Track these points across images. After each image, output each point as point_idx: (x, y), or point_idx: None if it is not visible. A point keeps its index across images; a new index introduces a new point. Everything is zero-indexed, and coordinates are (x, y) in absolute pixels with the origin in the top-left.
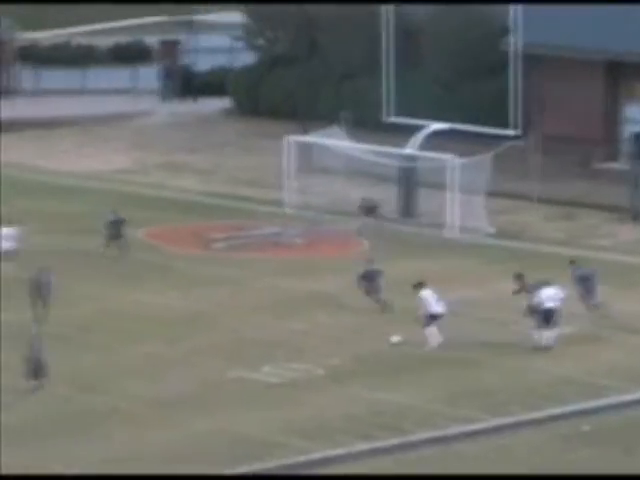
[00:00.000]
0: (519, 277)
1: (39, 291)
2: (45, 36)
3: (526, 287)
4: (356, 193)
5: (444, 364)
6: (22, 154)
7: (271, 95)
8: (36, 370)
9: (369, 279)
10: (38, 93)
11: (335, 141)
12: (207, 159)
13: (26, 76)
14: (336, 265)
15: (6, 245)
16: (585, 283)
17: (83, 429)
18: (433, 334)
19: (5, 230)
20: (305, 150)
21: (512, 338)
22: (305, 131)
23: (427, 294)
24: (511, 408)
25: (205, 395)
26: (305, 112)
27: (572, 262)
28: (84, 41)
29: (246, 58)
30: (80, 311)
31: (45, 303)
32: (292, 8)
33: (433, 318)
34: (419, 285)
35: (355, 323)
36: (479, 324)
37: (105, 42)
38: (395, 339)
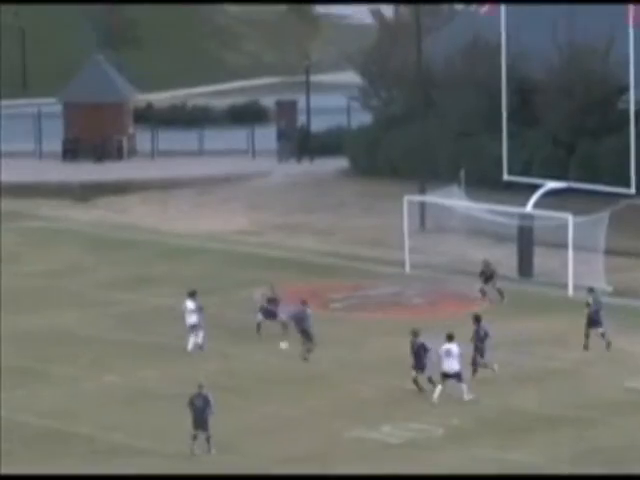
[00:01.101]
0: None
1: None
2: (161, 97)
3: None
4: (475, 252)
5: (564, 423)
6: (140, 215)
7: (388, 155)
8: None
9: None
10: (155, 154)
11: (454, 200)
12: (325, 219)
13: (143, 137)
14: (456, 324)
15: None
16: None
17: None
18: None
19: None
20: (424, 210)
21: (629, 397)
22: (423, 191)
23: None
24: (633, 466)
25: (325, 454)
26: (423, 171)
27: None
28: (200, 102)
29: (362, 118)
30: (203, 371)
31: None
32: (408, 67)
33: None
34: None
35: (476, 381)
36: (594, 382)
37: (221, 103)
38: (284, 345)
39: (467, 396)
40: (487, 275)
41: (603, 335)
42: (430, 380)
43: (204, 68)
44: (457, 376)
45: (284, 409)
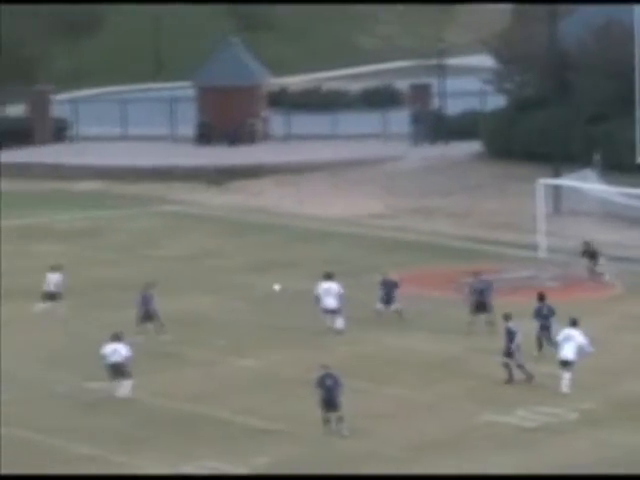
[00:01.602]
0: None
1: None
2: (295, 81)
3: None
4: (609, 235)
5: None
6: (274, 199)
7: (522, 138)
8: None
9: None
10: (289, 138)
11: (588, 184)
12: (460, 203)
13: (276, 121)
14: (590, 308)
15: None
16: None
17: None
18: None
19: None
20: (558, 192)
21: None
22: (558, 174)
23: None
24: None
25: (458, 439)
26: (557, 154)
27: None
28: (334, 86)
29: (496, 101)
30: (337, 355)
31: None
32: (542, 50)
33: None
34: None
35: (612, 366)
36: None
37: (355, 87)
38: (277, 287)
39: (565, 389)
40: (590, 254)
41: None
42: (520, 367)
43: (338, 52)
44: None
45: (416, 393)
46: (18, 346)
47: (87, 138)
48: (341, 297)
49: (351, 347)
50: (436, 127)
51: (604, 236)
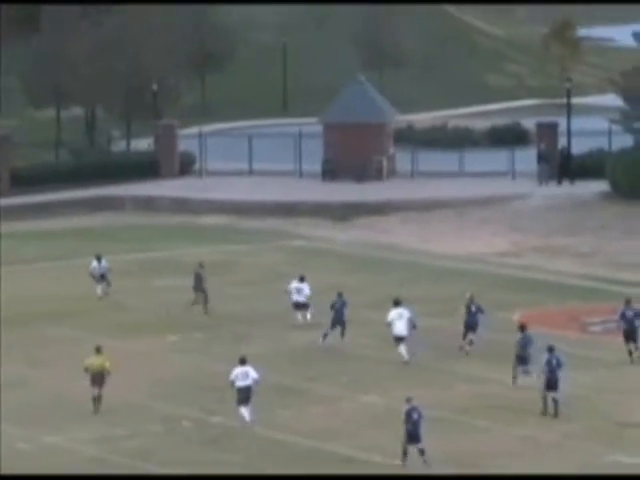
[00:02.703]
0: None
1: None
2: (422, 118)
3: None
4: None
5: None
6: (399, 236)
7: None
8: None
9: None
10: (415, 175)
11: None
12: (586, 242)
13: (403, 159)
14: None
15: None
16: None
17: None
18: None
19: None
20: None
21: None
22: None
23: None
24: None
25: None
26: None
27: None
28: (461, 123)
29: (623, 140)
30: (458, 393)
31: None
32: None
33: None
34: None
35: None
36: None
37: (482, 125)
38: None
39: None
40: None
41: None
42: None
43: (465, 89)
44: None
45: (539, 432)
46: (145, 379)
47: (213, 173)
48: (411, 323)
49: (473, 386)
50: (562, 166)
51: None
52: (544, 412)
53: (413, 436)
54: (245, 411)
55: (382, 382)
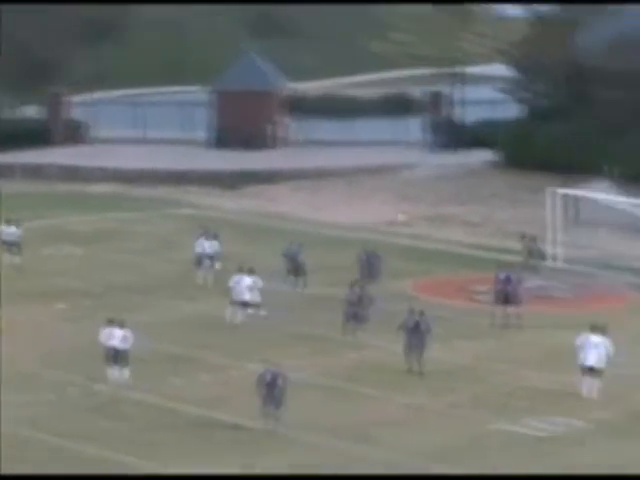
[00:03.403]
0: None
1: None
2: (313, 87)
3: None
4: (625, 247)
5: None
6: (290, 205)
7: (539, 147)
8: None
9: None
10: (305, 144)
11: (603, 194)
12: (474, 211)
13: (293, 127)
14: (603, 319)
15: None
16: None
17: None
18: None
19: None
20: (573, 203)
21: None
22: (573, 184)
23: None
24: None
25: (467, 447)
26: (572, 165)
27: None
28: (351, 92)
29: (512, 110)
30: (344, 361)
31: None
32: (560, 61)
33: None
34: None
35: (626, 377)
36: None
37: (372, 94)
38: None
39: (591, 395)
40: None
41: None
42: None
43: (355, 58)
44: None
45: (426, 401)
46: (34, 347)
47: (104, 141)
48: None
49: (359, 353)
50: (452, 135)
51: (620, 247)
52: (409, 370)
53: (278, 400)
54: (117, 372)
55: (271, 350)
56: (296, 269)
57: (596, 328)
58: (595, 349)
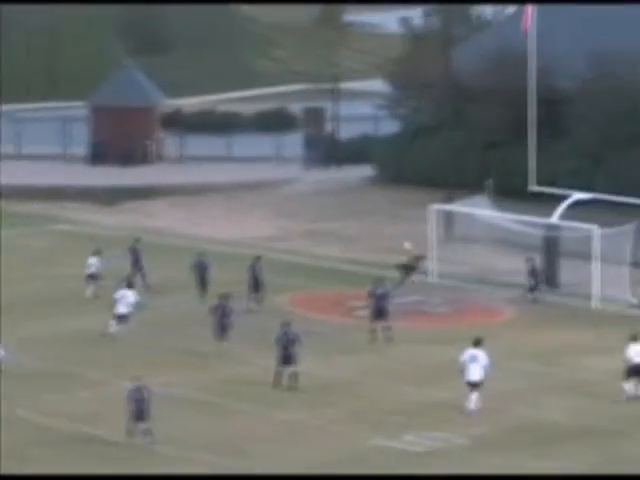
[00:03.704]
0: None
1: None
2: (190, 103)
3: None
4: (501, 262)
5: (590, 434)
6: (168, 220)
7: (416, 163)
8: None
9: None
10: (183, 160)
11: (479, 210)
12: (351, 227)
13: (171, 143)
14: (479, 334)
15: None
16: None
17: None
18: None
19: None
20: (449, 218)
21: None
22: (450, 200)
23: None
24: None
25: (346, 462)
26: (450, 181)
27: None
28: (229, 108)
29: (390, 126)
30: (219, 376)
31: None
32: (437, 77)
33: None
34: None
35: (502, 392)
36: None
37: (250, 109)
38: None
39: (474, 406)
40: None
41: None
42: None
43: (233, 74)
44: (477, 385)
45: (305, 417)
46: None
47: None
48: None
49: (239, 368)
50: (329, 151)
51: (496, 262)
52: (276, 385)
53: (138, 414)
54: None
55: (149, 365)
56: (256, 285)
57: (477, 342)
58: (476, 363)
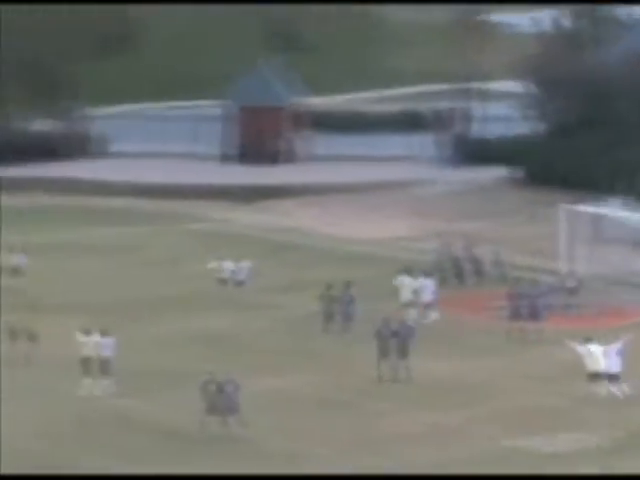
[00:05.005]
0: None
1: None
2: (325, 102)
3: None
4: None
5: None
6: (300, 220)
7: (555, 163)
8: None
9: None
10: (316, 159)
11: (619, 211)
12: (488, 227)
13: (304, 142)
14: (619, 335)
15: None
16: None
17: None
18: None
19: None
20: (591, 219)
21: None
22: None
23: None
24: None
25: (482, 463)
26: (591, 181)
27: None
28: (363, 108)
29: (525, 126)
30: (361, 377)
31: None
32: (578, 77)
33: None
34: None
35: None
36: None
37: (385, 109)
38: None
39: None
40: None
41: None
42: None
43: (369, 73)
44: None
45: (442, 416)
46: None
47: (115, 155)
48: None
49: (375, 370)
50: (466, 152)
51: (636, 264)
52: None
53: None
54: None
55: (273, 366)
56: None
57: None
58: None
